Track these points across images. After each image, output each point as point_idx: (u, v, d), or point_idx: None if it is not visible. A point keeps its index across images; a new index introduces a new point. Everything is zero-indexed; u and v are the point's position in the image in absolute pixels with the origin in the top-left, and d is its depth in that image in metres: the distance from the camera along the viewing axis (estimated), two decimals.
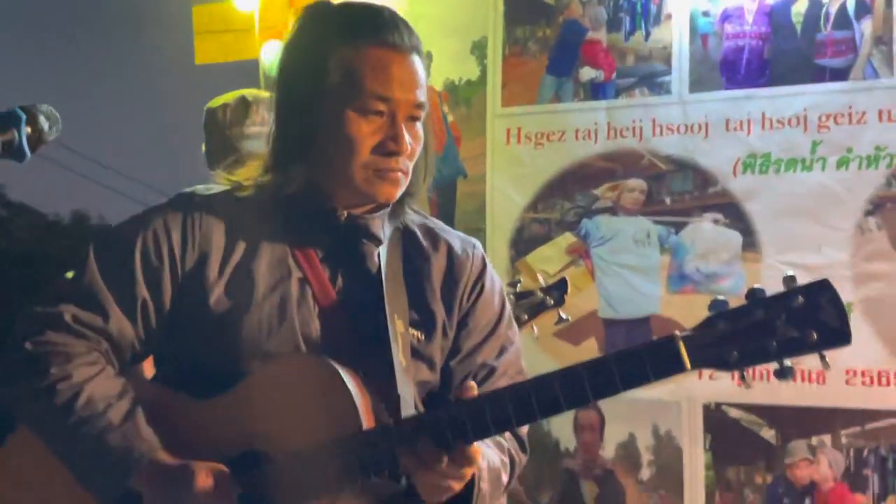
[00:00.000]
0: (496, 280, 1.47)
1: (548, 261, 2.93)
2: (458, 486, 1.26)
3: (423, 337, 1.38)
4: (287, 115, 1.37)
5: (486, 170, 3.03)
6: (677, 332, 1.19)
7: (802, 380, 2.61)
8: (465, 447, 1.22)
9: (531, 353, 2.87)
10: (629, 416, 2.82)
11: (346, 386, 1.26)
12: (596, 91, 2.92)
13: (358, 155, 1.32)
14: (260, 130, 2.22)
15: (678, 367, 1.19)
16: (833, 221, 2.62)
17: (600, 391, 1.27)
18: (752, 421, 2.71)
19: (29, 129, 1.50)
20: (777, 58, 2.71)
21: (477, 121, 3.04)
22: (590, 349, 2.85)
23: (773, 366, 1.19)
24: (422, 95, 1.35)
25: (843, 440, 2.59)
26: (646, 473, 2.81)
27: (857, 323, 2.54)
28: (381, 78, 1.32)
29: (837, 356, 2.62)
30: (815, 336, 1.17)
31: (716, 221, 2.76)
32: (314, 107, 1.33)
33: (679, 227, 2.80)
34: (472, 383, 1.26)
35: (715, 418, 2.73)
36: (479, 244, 1.51)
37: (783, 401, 2.63)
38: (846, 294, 2.55)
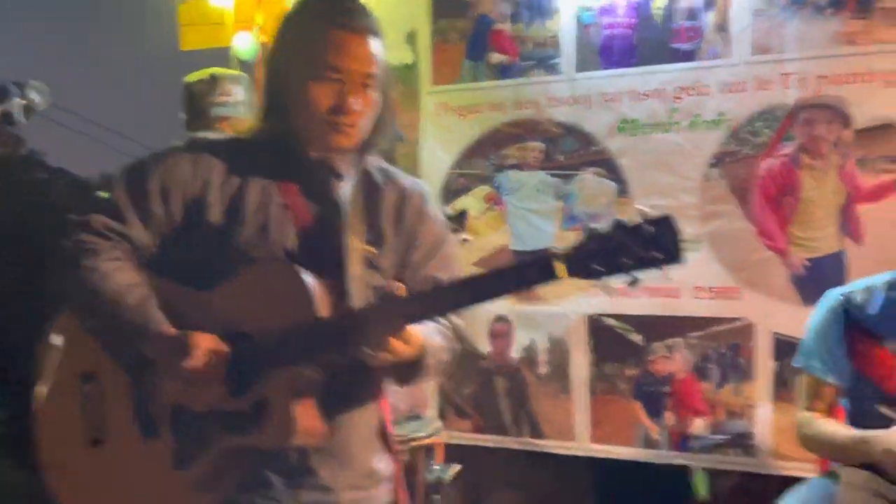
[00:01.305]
0: (439, 212, 1.66)
1: (471, 207, 3.17)
2: (392, 357, 1.40)
3: (376, 251, 1.54)
4: (273, 77, 1.53)
5: (420, 136, 3.25)
6: (552, 249, 1.34)
7: (663, 295, 2.92)
8: (401, 330, 1.38)
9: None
10: (531, 325, 3.10)
11: (305, 284, 1.42)
12: (504, 72, 3.11)
13: (317, 112, 1.46)
14: (225, 100, 2.46)
15: (553, 276, 1.32)
16: (685, 172, 2.85)
17: (498, 291, 1.40)
18: (624, 328, 2.97)
19: (23, 101, 1.67)
20: (642, 43, 2.91)
21: (412, 97, 3.24)
22: None
23: (628, 278, 1.32)
24: (373, 68, 1.46)
25: (693, 341, 2.88)
26: (543, 370, 3.10)
27: (704, 250, 2.86)
28: (338, 53, 1.45)
29: (688, 276, 2.98)
30: (659, 256, 1.29)
31: (596, 174, 2.98)
32: (290, 73, 1.49)
33: (569, 178, 3.03)
34: (401, 284, 1.41)
35: (596, 326, 3.00)
36: (425, 185, 1.66)
37: (647, 312, 2.93)
38: (695, 229, 2.86)
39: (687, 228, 2.85)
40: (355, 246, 1.49)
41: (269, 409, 1.44)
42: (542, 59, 3.06)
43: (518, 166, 3.12)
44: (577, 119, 3.01)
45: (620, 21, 2.95)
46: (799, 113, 2.72)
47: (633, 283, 1.32)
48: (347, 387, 1.53)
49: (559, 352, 3.07)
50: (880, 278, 2.09)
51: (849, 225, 2.67)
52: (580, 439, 3.04)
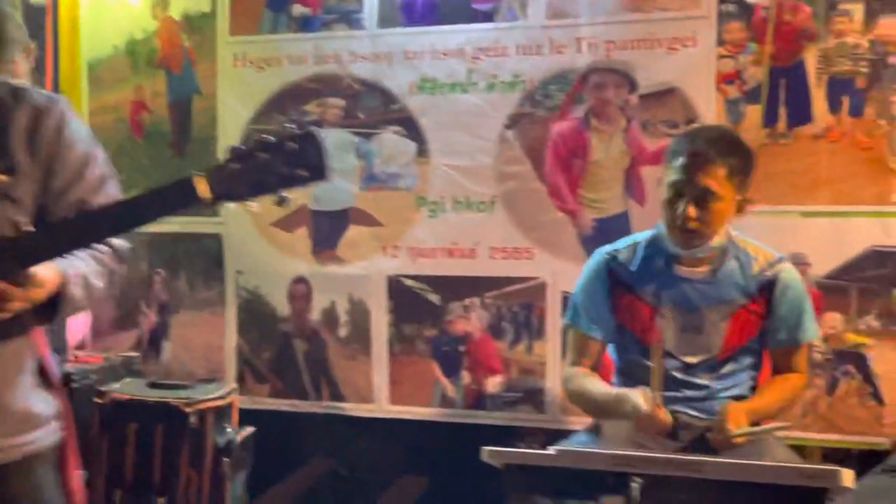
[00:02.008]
0: (83, 129, 1.52)
1: None
2: (19, 305, 1.32)
3: (8, 180, 1.42)
4: None
5: (218, 88, 3.11)
6: (195, 172, 1.28)
7: (460, 256, 2.93)
8: (20, 272, 1.29)
9: (253, 240, 3.11)
10: (331, 287, 3.04)
11: None
12: (305, 25, 3.01)
13: None
14: None
15: (197, 199, 1.27)
16: (482, 133, 2.85)
17: (146, 213, 1.33)
18: (422, 288, 2.97)
19: None
20: (443, 2, 2.89)
21: (209, 47, 3.10)
22: (302, 236, 3.06)
23: (275, 197, 1.29)
24: None
25: (488, 301, 2.91)
26: (343, 331, 3.06)
27: (498, 212, 2.90)
28: None
29: (484, 237, 3.01)
30: (304, 173, 1.26)
31: (396, 132, 2.94)
32: None
33: (369, 137, 2.98)
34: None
35: (395, 287, 2.99)
36: (63, 99, 1.51)
37: (445, 272, 2.93)
38: (490, 189, 2.89)
39: (483, 189, 2.89)
40: None
41: None
42: (345, 13, 2.99)
43: (318, 123, 3.02)
44: (378, 76, 2.96)
45: None
46: (589, 77, 2.78)
47: (281, 201, 1.28)
48: None
49: (359, 313, 3.04)
50: (642, 236, 2.16)
51: (633, 186, 2.76)
52: (379, 401, 3.03)
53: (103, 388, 2.67)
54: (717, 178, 1.95)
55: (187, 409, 2.56)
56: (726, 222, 2.01)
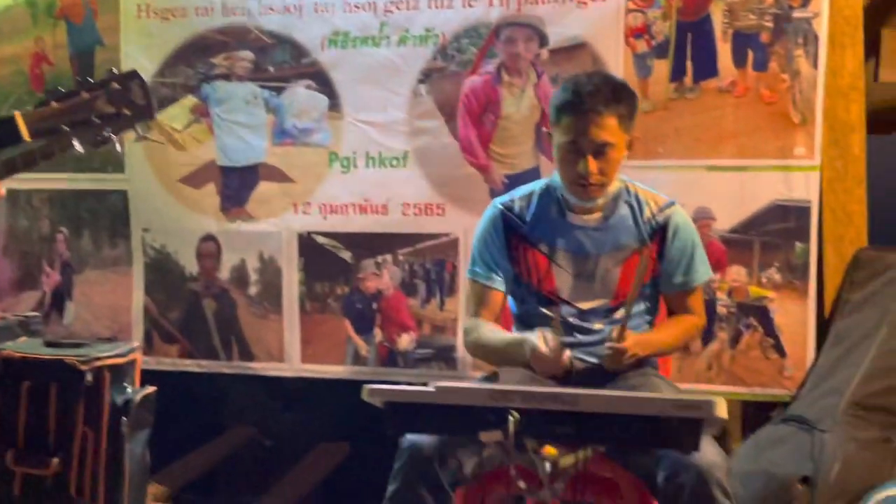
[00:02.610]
0: None
1: (175, 119, 2.98)
2: None
3: None
4: None
5: (121, 40, 3.00)
6: (17, 111, 1.27)
7: (372, 212, 2.89)
8: None
9: (159, 197, 3.03)
10: (241, 245, 2.98)
11: None
12: None
13: None
14: None
15: (19, 138, 1.27)
16: (394, 88, 2.81)
17: None
18: (334, 245, 2.92)
19: None
20: None
21: None
22: (210, 192, 2.99)
23: (99, 137, 1.29)
24: None
25: (400, 258, 2.89)
26: (253, 290, 3.00)
27: (410, 167, 2.86)
28: None
29: (396, 193, 2.98)
30: (127, 112, 1.28)
31: (308, 87, 2.88)
32: None
33: (280, 91, 2.91)
34: None
35: (306, 244, 2.93)
36: None
37: (357, 229, 2.89)
38: (403, 145, 2.85)
39: (395, 144, 2.86)
40: None
41: None
42: None
43: (226, 76, 2.96)
44: (288, 29, 2.89)
45: None
46: (501, 31, 2.75)
47: (104, 141, 1.29)
48: None
49: (270, 271, 2.98)
50: (538, 185, 2.15)
51: (543, 142, 2.75)
52: (290, 360, 2.98)
53: None
54: (609, 129, 1.94)
55: (83, 367, 2.47)
56: (620, 166, 2.01)
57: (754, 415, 2.74)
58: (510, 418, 1.49)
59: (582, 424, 1.51)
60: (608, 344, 1.92)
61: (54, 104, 1.26)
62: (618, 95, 1.95)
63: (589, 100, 1.93)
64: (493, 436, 1.52)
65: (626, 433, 1.50)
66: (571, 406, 1.50)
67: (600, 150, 1.95)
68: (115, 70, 1.28)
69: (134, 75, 1.28)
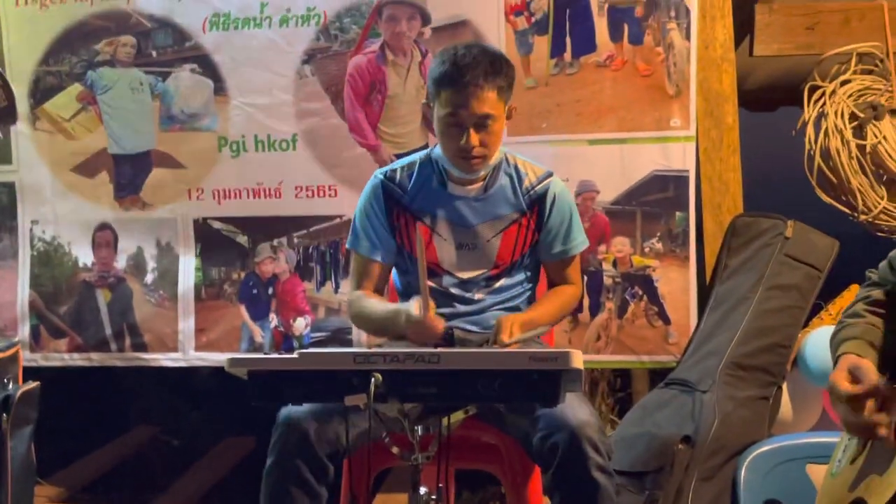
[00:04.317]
0: None
1: (62, 108, 2.90)
2: None
3: None
4: None
5: (1, 30, 2.89)
6: None
7: (266, 196, 2.86)
8: None
9: (50, 188, 2.94)
10: (138, 232, 2.92)
11: None
12: None
13: None
14: None
15: None
16: (279, 69, 2.78)
17: None
18: (231, 230, 2.89)
19: None
20: None
21: None
22: (104, 181, 2.92)
23: None
24: None
25: (295, 241, 2.86)
26: (150, 278, 2.94)
27: (300, 149, 2.83)
28: None
29: (288, 175, 2.95)
30: None
31: (192, 71, 2.83)
32: None
33: (164, 76, 2.86)
34: None
35: (203, 230, 2.89)
36: None
37: (252, 213, 2.86)
38: (291, 127, 2.82)
39: (284, 127, 2.83)
40: None
41: None
42: None
43: (110, 62, 2.89)
44: (168, 12, 2.84)
45: None
46: (383, 10, 2.75)
47: None
48: None
49: (167, 258, 2.92)
50: (418, 156, 2.14)
51: (430, 121, 2.74)
52: (184, 349, 2.92)
53: None
54: (489, 102, 1.94)
55: None
56: (502, 138, 2.01)
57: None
58: (372, 380, 1.48)
59: (445, 383, 1.50)
60: (494, 343, 1.91)
61: None
62: (497, 67, 1.95)
63: (468, 73, 1.92)
64: (357, 399, 1.51)
65: (488, 389, 1.51)
66: (433, 365, 1.50)
67: (481, 123, 1.95)
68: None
69: None
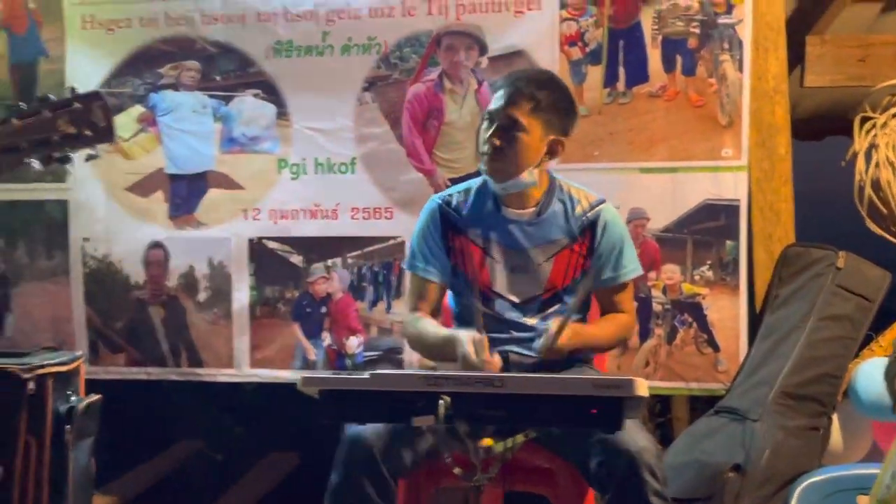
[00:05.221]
0: None
1: (122, 128, 2.97)
2: None
3: None
4: None
5: (66, 51, 3.00)
6: None
7: (322, 217, 2.91)
8: None
9: (103, 206, 3.03)
10: (189, 252, 2.98)
11: None
12: None
13: None
14: None
15: None
16: (340, 95, 2.85)
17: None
18: (285, 250, 2.95)
19: None
20: None
21: (55, 8, 2.99)
22: (158, 200, 2.99)
23: (60, 155, 1.29)
24: None
25: (349, 261, 2.92)
26: (202, 296, 3.00)
27: (359, 172, 2.89)
28: None
29: (345, 198, 3.01)
30: (88, 133, 1.28)
31: (255, 95, 2.91)
32: None
33: (227, 100, 2.94)
34: None
35: (257, 249, 2.95)
36: None
37: (307, 233, 2.92)
38: (350, 151, 2.88)
39: (343, 151, 2.89)
40: None
41: None
42: None
43: (174, 86, 2.97)
44: (232, 38, 2.92)
45: None
46: (441, 39, 2.81)
47: (63, 160, 1.30)
48: None
49: (220, 277, 2.98)
50: (475, 182, 2.19)
51: None
52: (239, 365, 2.98)
53: None
54: (523, 111, 2.00)
55: (25, 376, 2.44)
56: (534, 158, 2.03)
57: (702, 411, 2.79)
58: (441, 402, 1.52)
59: (510, 407, 1.54)
60: (545, 331, 1.94)
61: (15, 121, 1.25)
62: (543, 85, 2.02)
63: (515, 81, 2.03)
64: (425, 420, 1.55)
65: (552, 414, 1.54)
66: (499, 389, 1.53)
67: (509, 127, 2.00)
68: (76, 89, 1.28)
69: (96, 96, 1.27)
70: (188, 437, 3.72)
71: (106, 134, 1.28)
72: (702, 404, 2.82)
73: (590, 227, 2.09)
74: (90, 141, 1.28)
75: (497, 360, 1.95)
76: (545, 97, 2.00)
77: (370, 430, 1.84)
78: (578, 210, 2.10)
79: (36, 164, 1.31)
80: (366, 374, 1.58)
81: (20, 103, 1.29)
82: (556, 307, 2.11)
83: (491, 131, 2.01)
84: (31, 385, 2.45)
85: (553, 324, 1.94)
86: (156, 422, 3.40)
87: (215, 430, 3.60)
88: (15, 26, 3.03)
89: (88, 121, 1.27)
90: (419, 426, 1.60)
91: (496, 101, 2.03)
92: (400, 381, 1.59)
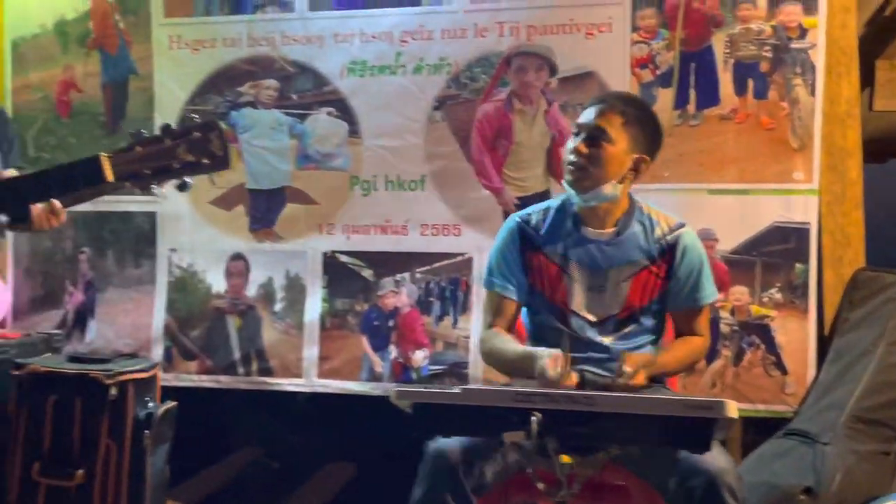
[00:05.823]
0: None
1: None
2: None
3: None
4: None
5: (154, 69, 3.10)
6: (103, 153, 1.33)
7: (392, 233, 2.95)
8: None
9: (189, 219, 3.10)
10: (268, 264, 3.05)
11: None
12: (238, 7, 3.03)
13: None
14: None
15: (102, 179, 1.34)
16: (411, 114, 2.89)
17: (53, 186, 1.42)
18: (356, 264, 2.99)
19: None
20: None
21: (144, 28, 3.09)
22: (240, 213, 3.06)
23: (177, 181, 1.36)
24: None
25: (417, 276, 2.95)
26: (279, 306, 3.06)
27: (428, 189, 2.93)
28: None
29: (414, 214, 3.06)
30: (206, 161, 1.35)
31: (329, 114, 2.97)
32: None
33: (303, 118, 3.00)
34: None
35: (330, 263, 3.01)
36: None
37: (378, 248, 2.97)
38: (420, 168, 2.93)
39: (413, 168, 2.94)
40: None
41: None
42: None
43: (253, 104, 3.04)
44: (309, 58, 2.98)
45: None
46: (511, 60, 2.85)
47: (183, 187, 1.37)
48: None
49: (295, 289, 3.04)
50: (555, 201, 2.21)
51: (554, 166, 2.82)
52: (307, 375, 3.02)
53: (21, 362, 2.60)
54: (611, 123, 2.04)
55: (107, 382, 2.51)
56: (618, 171, 2.05)
57: (753, 438, 2.77)
58: (533, 419, 1.54)
59: (599, 425, 1.56)
60: (620, 363, 1.95)
61: (138, 149, 1.31)
62: (632, 101, 2.11)
63: (605, 96, 2.13)
64: (516, 436, 1.57)
65: (641, 433, 1.56)
66: (589, 406, 1.55)
67: (596, 136, 2.03)
68: (195, 118, 1.33)
69: (213, 126, 1.34)
70: (247, 445, 3.78)
71: (222, 162, 1.36)
72: (758, 426, 2.80)
73: (669, 250, 2.11)
74: (207, 169, 1.36)
75: (574, 377, 1.97)
76: (635, 114, 2.04)
77: (452, 444, 1.86)
78: (658, 232, 2.12)
79: (157, 190, 1.36)
80: (457, 389, 1.61)
81: (142, 130, 1.34)
82: (631, 327, 2.12)
83: (578, 141, 2.05)
84: (113, 391, 2.54)
85: (628, 366, 1.94)
86: (216, 428, 3.46)
87: (274, 438, 3.64)
88: (107, 46, 3.13)
89: (207, 149, 1.33)
90: (503, 442, 1.62)
91: (586, 114, 2.08)
92: (491, 396, 1.62)
